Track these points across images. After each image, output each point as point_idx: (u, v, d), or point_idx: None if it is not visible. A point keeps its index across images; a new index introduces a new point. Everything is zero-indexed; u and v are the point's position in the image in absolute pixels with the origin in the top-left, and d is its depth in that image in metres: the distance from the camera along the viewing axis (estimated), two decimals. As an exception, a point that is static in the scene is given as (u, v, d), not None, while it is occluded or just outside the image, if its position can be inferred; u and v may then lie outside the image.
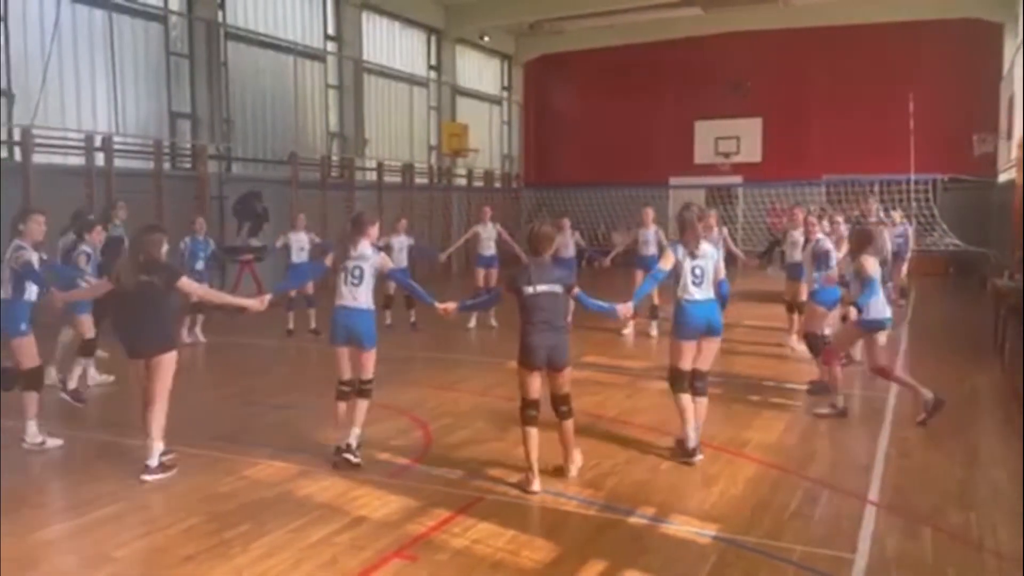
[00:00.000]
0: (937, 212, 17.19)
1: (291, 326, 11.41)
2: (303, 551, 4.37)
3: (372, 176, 19.66)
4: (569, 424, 5.40)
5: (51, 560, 4.36)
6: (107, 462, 5.87)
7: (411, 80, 21.14)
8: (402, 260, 11.25)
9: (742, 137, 23.09)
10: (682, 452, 5.82)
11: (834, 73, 21.65)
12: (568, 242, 11.64)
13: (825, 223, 9.62)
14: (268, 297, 6.13)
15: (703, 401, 5.97)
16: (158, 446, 5.53)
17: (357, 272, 5.73)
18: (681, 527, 4.71)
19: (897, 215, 14.48)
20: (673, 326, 5.90)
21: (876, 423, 6.90)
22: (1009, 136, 16.93)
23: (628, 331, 11.30)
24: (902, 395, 7.97)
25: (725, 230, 11.43)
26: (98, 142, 13.13)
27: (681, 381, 5.83)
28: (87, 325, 7.46)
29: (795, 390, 8.06)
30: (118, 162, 13.45)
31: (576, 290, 5.46)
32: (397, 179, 20.20)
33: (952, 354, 9.99)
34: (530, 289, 5.22)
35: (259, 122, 16.86)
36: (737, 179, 22.83)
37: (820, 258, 8.38)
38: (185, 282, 5.83)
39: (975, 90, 19.90)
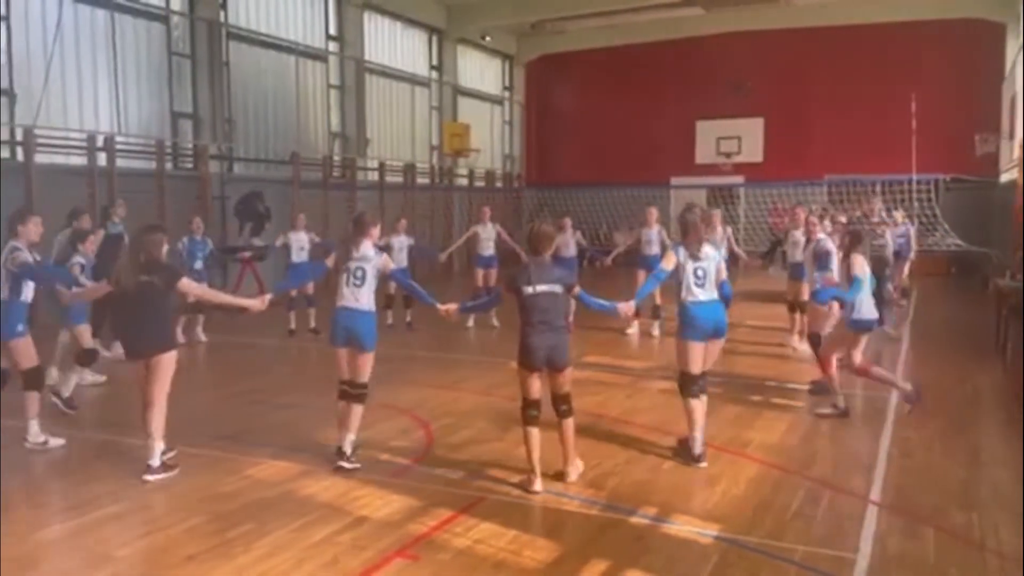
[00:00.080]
0: (939, 212, 17.18)
1: (293, 326, 11.42)
2: (305, 551, 4.38)
3: (374, 176, 19.67)
4: (569, 423, 5.37)
5: (53, 559, 4.36)
6: (109, 462, 5.87)
7: (413, 80, 21.15)
8: (402, 260, 11.26)
9: (743, 137, 23.08)
10: (687, 456, 5.81)
11: (836, 73, 21.64)
12: (569, 242, 11.65)
13: (827, 223, 9.62)
14: (268, 297, 6.12)
15: (704, 399, 5.97)
16: (159, 446, 5.53)
17: (359, 273, 5.70)
18: (683, 527, 4.71)
19: (899, 215, 14.47)
20: (680, 328, 5.87)
21: (878, 423, 6.90)
22: (1011, 136, 16.92)
23: (633, 331, 11.29)
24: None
25: (729, 230, 11.42)
26: (100, 142, 13.15)
27: (692, 385, 5.81)
28: (85, 335, 7.43)
29: (797, 390, 8.06)
30: (120, 162, 13.47)
31: (577, 289, 5.45)
32: (399, 179, 20.21)
33: (954, 354, 9.98)
34: (530, 289, 5.20)
35: (261, 122, 16.88)
36: (739, 179, 22.83)
37: (821, 258, 8.38)
38: (185, 282, 5.83)
39: (977, 90, 19.89)
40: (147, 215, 11.70)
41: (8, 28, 12.07)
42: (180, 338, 10.34)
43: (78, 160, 12.99)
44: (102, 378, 8.35)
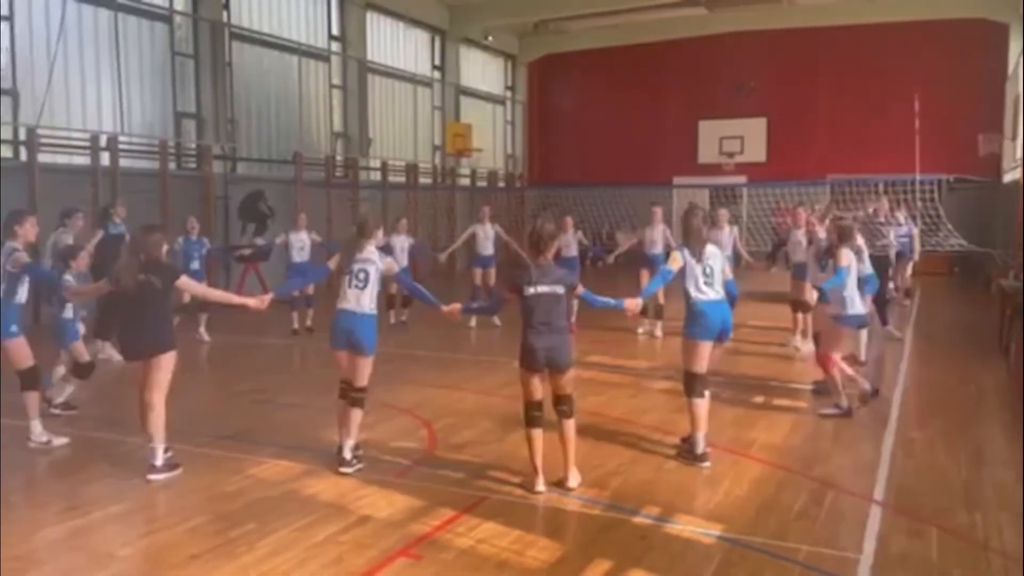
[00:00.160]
0: (942, 212, 17.15)
1: (295, 325, 11.44)
2: (309, 550, 4.38)
3: (376, 176, 19.69)
4: (570, 424, 5.28)
5: (56, 558, 4.37)
6: (111, 461, 5.87)
7: (415, 80, 21.16)
8: (402, 260, 11.27)
9: (746, 137, 23.09)
10: (690, 456, 5.81)
11: (839, 73, 21.64)
12: (571, 241, 11.66)
13: (827, 223, 9.60)
14: (270, 297, 6.08)
15: (708, 399, 5.97)
16: (161, 446, 5.53)
17: (362, 275, 5.67)
18: (686, 527, 4.70)
19: (901, 215, 14.44)
20: (688, 328, 5.85)
21: (881, 423, 6.88)
22: (1014, 136, 16.91)
23: (643, 330, 11.28)
24: (907, 395, 7.99)
25: (735, 230, 11.42)
26: (103, 142, 13.16)
27: (699, 385, 5.80)
28: (81, 350, 7.43)
29: (800, 390, 8.06)
30: (123, 162, 13.48)
31: (580, 289, 5.42)
32: (401, 179, 20.22)
33: (957, 355, 9.97)
34: (531, 290, 5.16)
35: (263, 122, 16.90)
36: (741, 179, 22.81)
37: (823, 257, 8.38)
38: (185, 281, 5.83)
39: (980, 90, 19.88)
40: (150, 215, 11.69)
41: (12, 28, 12.09)
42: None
43: (81, 160, 13.01)
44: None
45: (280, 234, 11.99)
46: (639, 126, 23.92)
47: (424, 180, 21.12)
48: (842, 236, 7.18)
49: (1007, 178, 18.36)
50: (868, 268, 9.01)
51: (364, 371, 5.68)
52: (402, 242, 11.55)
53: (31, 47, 12.34)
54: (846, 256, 7.03)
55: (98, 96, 13.41)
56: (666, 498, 5.15)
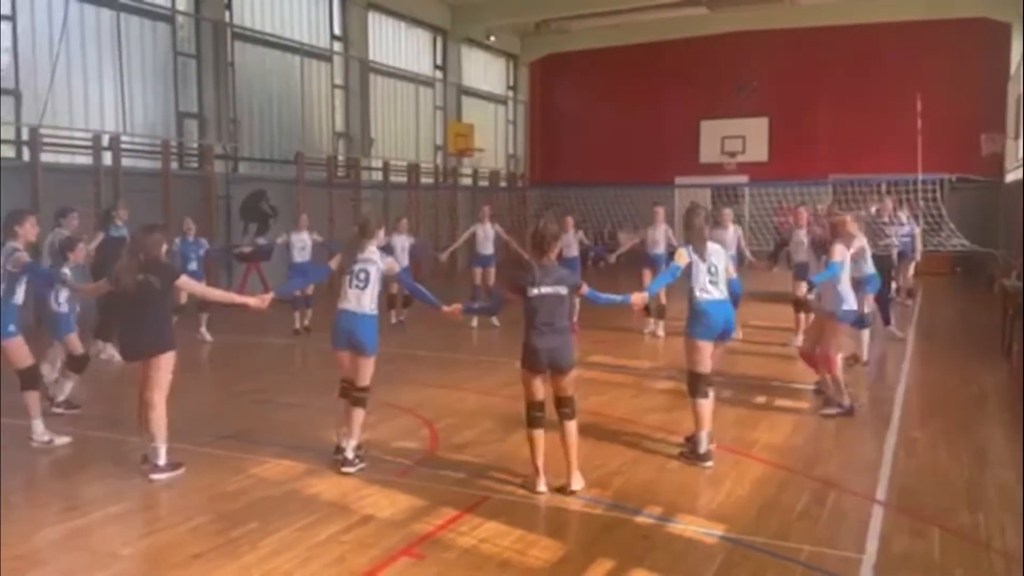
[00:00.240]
0: (945, 212, 17.13)
1: (297, 325, 11.46)
2: (311, 549, 4.38)
3: (378, 176, 19.70)
4: (572, 426, 5.24)
5: (59, 558, 4.37)
6: (114, 461, 5.87)
7: (417, 80, 21.16)
8: (403, 260, 11.28)
9: (748, 137, 23.08)
10: (693, 456, 5.81)
11: (841, 72, 21.62)
12: (572, 241, 11.66)
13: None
14: (270, 296, 6.07)
15: (711, 399, 5.96)
16: (163, 446, 5.52)
17: (363, 275, 5.66)
18: (688, 527, 4.70)
19: (904, 214, 14.42)
20: (691, 327, 5.84)
21: (883, 423, 6.88)
22: (1016, 136, 16.88)
23: (650, 330, 11.27)
24: (909, 395, 7.98)
25: (740, 229, 11.43)
26: (106, 142, 13.17)
27: (702, 385, 5.79)
28: (75, 343, 7.42)
29: (802, 390, 8.04)
30: (125, 162, 13.49)
31: (585, 289, 5.39)
32: (403, 179, 20.23)
33: (959, 355, 9.96)
34: (534, 291, 5.13)
35: (266, 122, 16.91)
36: (743, 179, 22.81)
37: (818, 252, 8.36)
38: (184, 281, 5.84)
39: (983, 90, 19.86)
40: (152, 215, 11.72)
41: (14, 27, 12.11)
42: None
43: (84, 160, 13.03)
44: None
45: (281, 234, 12.01)
46: (641, 126, 23.91)
47: (426, 180, 21.13)
48: (834, 232, 7.14)
49: (1009, 178, 18.34)
50: (870, 267, 9.02)
51: (366, 371, 5.68)
52: (403, 242, 11.57)
53: (34, 47, 12.36)
54: (839, 251, 7.00)
55: (100, 96, 13.42)
56: (668, 498, 5.15)
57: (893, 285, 12.20)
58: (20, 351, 6.26)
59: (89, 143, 13.02)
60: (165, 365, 5.53)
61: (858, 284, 8.48)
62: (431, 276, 16.00)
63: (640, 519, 4.83)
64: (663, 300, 11.01)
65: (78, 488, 5.40)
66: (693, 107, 23.38)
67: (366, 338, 5.63)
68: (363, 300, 5.65)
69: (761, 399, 7.74)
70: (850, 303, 7.08)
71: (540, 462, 5.24)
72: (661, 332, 11.16)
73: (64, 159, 12.79)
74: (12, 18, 12.08)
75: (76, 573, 4.23)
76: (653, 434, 6.52)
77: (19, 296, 6.32)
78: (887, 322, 10.87)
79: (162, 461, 5.50)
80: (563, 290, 5.21)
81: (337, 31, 18.72)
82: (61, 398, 7.26)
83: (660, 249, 11.25)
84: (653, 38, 23.33)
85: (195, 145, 15.34)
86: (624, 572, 4.14)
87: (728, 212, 11.20)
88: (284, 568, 4.17)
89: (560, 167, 25.47)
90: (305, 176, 16.98)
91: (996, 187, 19.27)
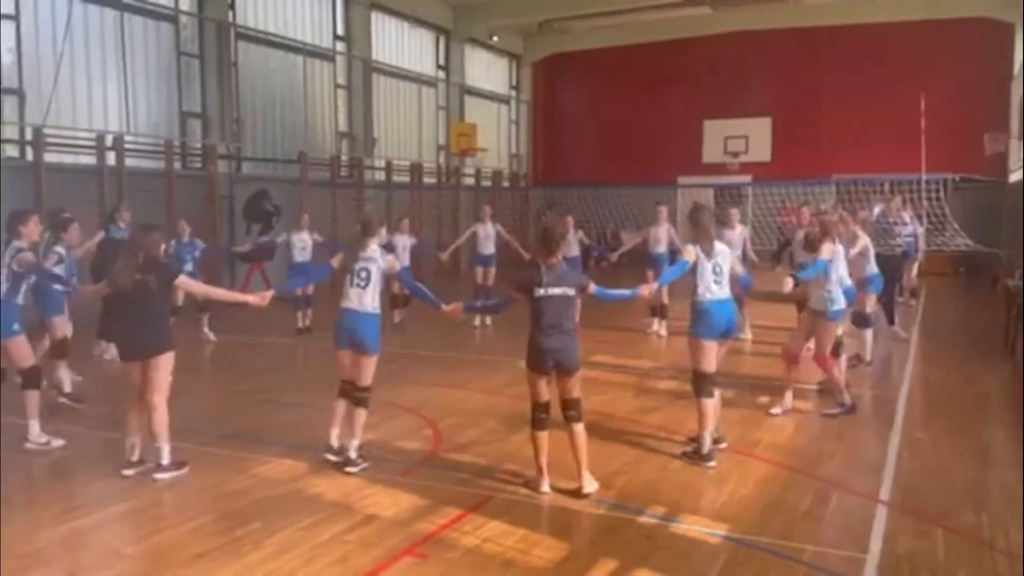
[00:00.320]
0: (948, 212, 17.10)
1: (300, 324, 11.47)
2: (314, 549, 4.39)
3: (381, 176, 19.70)
4: (579, 429, 5.21)
5: (63, 557, 4.38)
6: (115, 460, 5.85)
7: (420, 80, 21.17)
8: (404, 259, 11.29)
9: (751, 136, 23.05)
10: (697, 455, 5.80)
11: (844, 72, 21.58)
12: (572, 241, 11.65)
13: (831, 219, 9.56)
14: (271, 293, 6.02)
15: (717, 398, 5.97)
16: (166, 447, 5.52)
17: (364, 274, 5.65)
18: (691, 527, 4.70)
19: (907, 214, 14.39)
20: (695, 326, 5.83)
21: (887, 423, 6.87)
22: (1020, 136, 16.85)
23: (652, 329, 11.26)
24: (912, 395, 7.97)
25: (746, 229, 11.43)
26: (109, 141, 13.19)
27: (707, 385, 5.79)
28: (59, 327, 7.42)
29: (806, 390, 8.02)
30: (129, 161, 13.51)
31: (592, 288, 5.36)
32: (406, 179, 20.24)
33: (963, 355, 9.95)
34: (541, 291, 5.10)
35: (269, 122, 16.93)
36: (746, 178, 22.76)
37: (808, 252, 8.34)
38: (183, 280, 5.84)
39: (986, 90, 19.82)
40: (156, 215, 11.74)
41: (18, 27, 12.12)
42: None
43: (87, 160, 13.04)
44: (79, 377, 8.32)
45: (282, 233, 12.03)
46: (644, 126, 23.90)
47: (429, 180, 21.14)
48: (823, 231, 7.11)
49: (1013, 178, 18.30)
50: (874, 267, 9.00)
51: (368, 370, 5.67)
52: (404, 241, 11.58)
53: (37, 47, 12.37)
54: (827, 250, 6.95)
55: (104, 96, 13.43)
56: (671, 498, 5.15)
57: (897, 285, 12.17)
58: (22, 350, 6.26)
59: (93, 143, 13.03)
60: (164, 366, 5.51)
61: (861, 284, 8.47)
62: (433, 276, 16.02)
63: (643, 519, 4.83)
64: (665, 300, 11.02)
65: (81, 487, 5.41)
66: (696, 107, 23.36)
67: (368, 337, 5.62)
68: (364, 299, 5.65)
69: (764, 399, 7.72)
70: (840, 303, 7.03)
71: (543, 462, 5.23)
72: (663, 331, 11.16)
73: (68, 159, 12.81)
74: (16, 18, 12.09)
75: (80, 572, 4.24)
76: (656, 434, 6.52)
77: (22, 295, 6.34)
78: (891, 322, 10.86)
79: (165, 461, 5.51)
80: (571, 291, 5.19)
81: (340, 31, 18.73)
82: (68, 388, 7.27)
83: (662, 248, 11.27)
84: (656, 38, 23.32)
85: (198, 145, 15.36)
86: (627, 572, 4.14)
87: (735, 212, 11.22)
88: (287, 567, 4.18)
89: (563, 167, 25.46)
90: (308, 176, 16.99)
91: (1000, 187, 19.23)
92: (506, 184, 24.36)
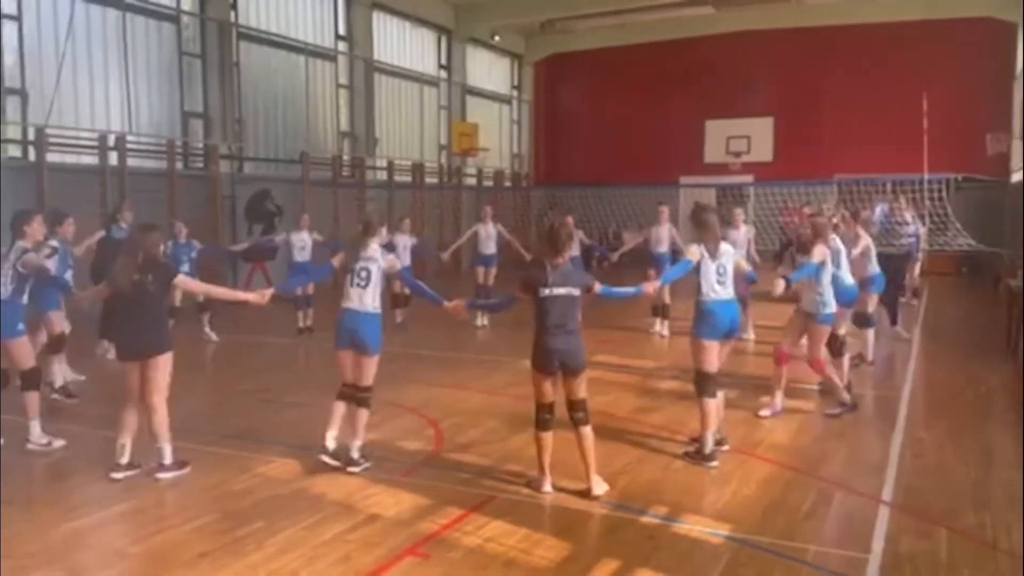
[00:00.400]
0: (950, 211, 17.09)
1: (301, 324, 11.47)
2: (317, 548, 4.39)
3: (383, 175, 19.71)
4: (587, 431, 5.18)
5: (66, 556, 4.38)
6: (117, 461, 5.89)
7: (421, 80, 21.17)
8: (405, 259, 11.30)
9: (753, 136, 23.05)
10: (699, 455, 5.79)
11: (846, 72, 21.57)
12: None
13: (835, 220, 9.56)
14: (270, 291, 5.99)
15: (720, 399, 5.96)
16: (168, 447, 5.53)
17: (364, 274, 5.63)
18: (694, 526, 4.70)
19: (909, 214, 14.38)
20: (698, 327, 5.83)
21: (889, 423, 6.87)
22: (1022, 136, 16.83)
23: (655, 330, 11.26)
24: (915, 395, 7.97)
25: (751, 230, 11.41)
26: (111, 141, 13.20)
27: (710, 385, 5.78)
28: (56, 322, 7.41)
29: (808, 390, 8.02)
30: (131, 161, 13.52)
31: (598, 287, 5.34)
32: (407, 178, 20.25)
33: (965, 355, 9.94)
34: (547, 291, 5.08)
35: (271, 122, 16.94)
36: (748, 178, 22.75)
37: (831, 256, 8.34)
38: (182, 279, 5.83)
39: (988, 89, 19.80)
40: (157, 215, 11.73)
41: (20, 28, 12.14)
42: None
43: (89, 160, 13.05)
44: (82, 377, 8.36)
45: (281, 233, 12.05)
46: (645, 125, 23.89)
47: (430, 180, 21.14)
48: (815, 233, 7.07)
49: (1015, 177, 18.28)
50: (875, 267, 8.99)
51: (369, 371, 5.66)
52: (405, 241, 11.58)
53: (40, 47, 12.38)
54: (819, 252, 6.91)
55: (106, 96, 13.44)
56: (674, 498, 5.15)
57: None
58: (26, 351, 6.27)
59: (95, 143, 13.05)
60: (163, 366, 5.50)
61: (863, 284, 8.47)
62: (434, 275, 16.03)
63: (645, 519, 4.83)
64: (667, 300, 11.03)
65: (82, 487, 5.41)
66: (698, 107, 23.35)
67: (368, 337, 5.61)
68: (365, 299, 5.63)
69: (767, 399, 7.70)
70: (831, 306, 6.98)
71: (547, 463, 5.23)
72: (665, 331, 11.16)
73: (70, 159, 12.82)
74: (18, 18, 12.11)
75: (82, 572, 4.25)
76: (658, 434, 6.52)
77: (26, 296, 6.34)
78: (894, 322, 10.85)
79: (167, 460, 5.51)
80: (576, 291, 5.17)
81: (342, 31, 18.73)
82: (59, 384, 7.26)
83: (664, 248, 11.27)
84: (658, 38, 23.31)
85: (200, 145, 15.37)
86: (629, 572, 4.14)
87: (739, 212, 11.25)
88: (290, 567, 4.18)
89: (564, 167, 25.45)
90: (310, 176, 17.00)
91: (1002, 187, 19.21)
92: (508, 184, 24.35)
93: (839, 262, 8.24)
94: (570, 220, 11.88)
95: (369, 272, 5.65)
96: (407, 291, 11.14)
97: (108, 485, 5.37)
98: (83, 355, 8.97)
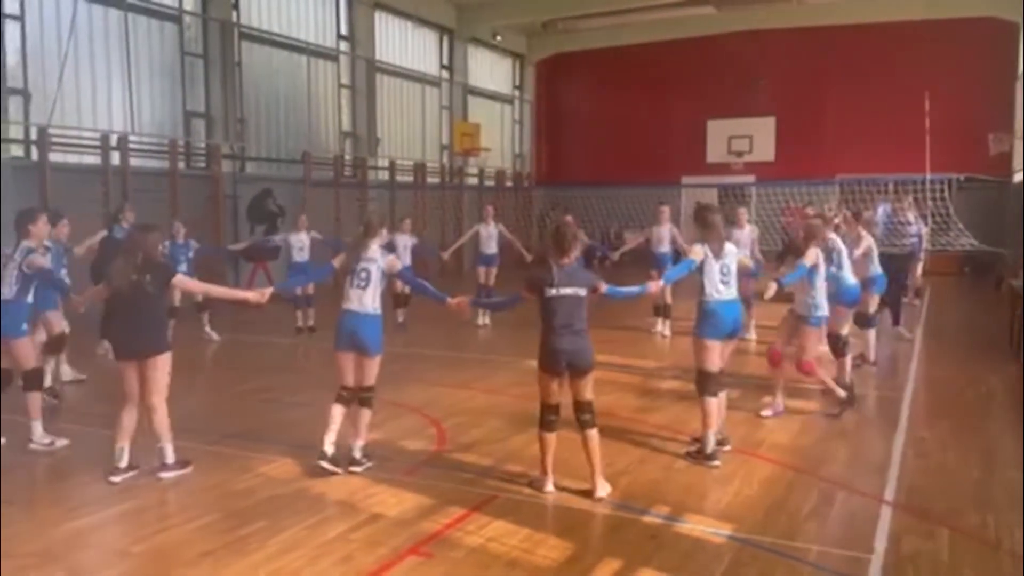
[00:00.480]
0: (952, 211, 17.08)
1: (300, 324, 11.48)
2: (319, 548, 4.39)
3: (384, 175, 19.72)
4: (593, 434, 5.15)
5: (68, 556, 4.39)
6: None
7: (423, 80, 21.17)
8: (406, 259, 11.29)
9: (755, 136, 23.01)
10: (701, 455, 5.79)
11: (848, 72, 21.55)
12: (572, 240, 11.64)
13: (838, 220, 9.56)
14: (270, 290, 5.99)
15: (722, 398, 5.96)
16: (169, 446, 5.53)
17: (364, 274, 5.61)
18: (696, 526, 4.70)
19: (911, 215, 14.37)
20: (700, 327, 5.82)
21: (891, 423, 6.87)
22: (1024, 136, 16.82)
23: (656, 329, 11.25)
24: (917, 395, 7.96)
25: (755, 230, 11.41)
26: (114, 141, 13.21)
27: (712, 384, 5.78)
28: (55, 322, 7.41)
29: (810, 390, 8.01)
30: (133, 161, 13.53)
31: (603, 287, 5.33)
32: (409, 178, 20.26)
33: (967, 354, 9.93)
34: (553, 291, 5.06)
35: (272, 121, 16.94)
36: (750, 178, 22.74)
37: (831, 256, 8.32)
38: (181, 279, 5.83)
39: (990, 89, 19.78)
40: (160, 214, 11.74)
41: (23, 28, 12.15)
42: None
43: (92, 159, 13.06)
44: (82, 376, 8.36)
45: (280, 235, 12.06)
46: (647, 125, 23.88)
47: (432, 179, 21.14)
48: (808, 236, 7.04)
49: (1017, 177, 18.27)
50: (877, 268, 8.98)
51: (371, 371, 5.65)
52: (405, 241, 11.57)
53: (42, 47, 12.39)
54: (811, 254, 6.87)
55: (108, 96, 13.46)
56: (676, 497, 5.15)
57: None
58: (27, 351, 6.27)
59: (97, 143, 13.06)
60: (162, 366, 5.50)
61: (865, 284, 8.46)
62: (435, 275, 16.03)
63: (648, 519, 4.83)
64: (668, 300, 11.02)
65: (84, 487, 5.42)
66: (700, 106, 23.32)
67: (369, 338, 5.59)
68: (365, 300, 5.61)
69: (768, 399, 7.70)
70: (823, 309, 6.96)
71: (550, 463, 5.23)
72: (667, 331, 11.15)
73: (72, 159, 12.83)
74: (21, 18, 12.12)
75: (84, 571, 4.25)
76: (659, 433, 6.52)
77: (31, 295, 6.35)
78: (896, 322, 10.84)
79: (169, 460, 5.52)
80: (583, 292, 5.15)
81: (344, 31, 18.74)
82: (47, 383, 7.25)
83: (665, 248, 11.27)
84: (660, 37, 23.28)
85: (202, 145, 15.37)
86: (632, 571, 4.14)
87: (743, 211, 11.25)
88: (293, 566, 4.18)
89: (566, 167, 25.45)
90: (312, 176, 17.01)
91: (1004, 187, 19.19)
92: (509, 184, 24.34)
93: (841, 262, 8.24)
94: (570, 219, 11.90)
95: (369, 273, 5.64)
96: (408, 291, 11.14)
97: (109, 484, 5.37)
98: (83, 355, 8.98)
